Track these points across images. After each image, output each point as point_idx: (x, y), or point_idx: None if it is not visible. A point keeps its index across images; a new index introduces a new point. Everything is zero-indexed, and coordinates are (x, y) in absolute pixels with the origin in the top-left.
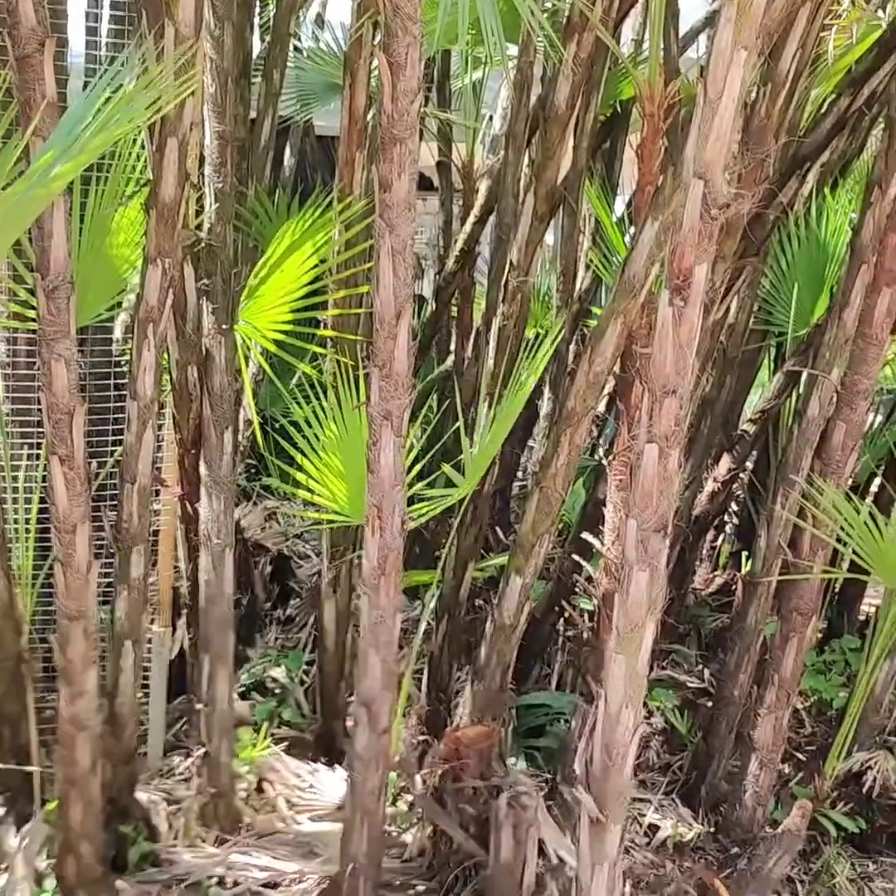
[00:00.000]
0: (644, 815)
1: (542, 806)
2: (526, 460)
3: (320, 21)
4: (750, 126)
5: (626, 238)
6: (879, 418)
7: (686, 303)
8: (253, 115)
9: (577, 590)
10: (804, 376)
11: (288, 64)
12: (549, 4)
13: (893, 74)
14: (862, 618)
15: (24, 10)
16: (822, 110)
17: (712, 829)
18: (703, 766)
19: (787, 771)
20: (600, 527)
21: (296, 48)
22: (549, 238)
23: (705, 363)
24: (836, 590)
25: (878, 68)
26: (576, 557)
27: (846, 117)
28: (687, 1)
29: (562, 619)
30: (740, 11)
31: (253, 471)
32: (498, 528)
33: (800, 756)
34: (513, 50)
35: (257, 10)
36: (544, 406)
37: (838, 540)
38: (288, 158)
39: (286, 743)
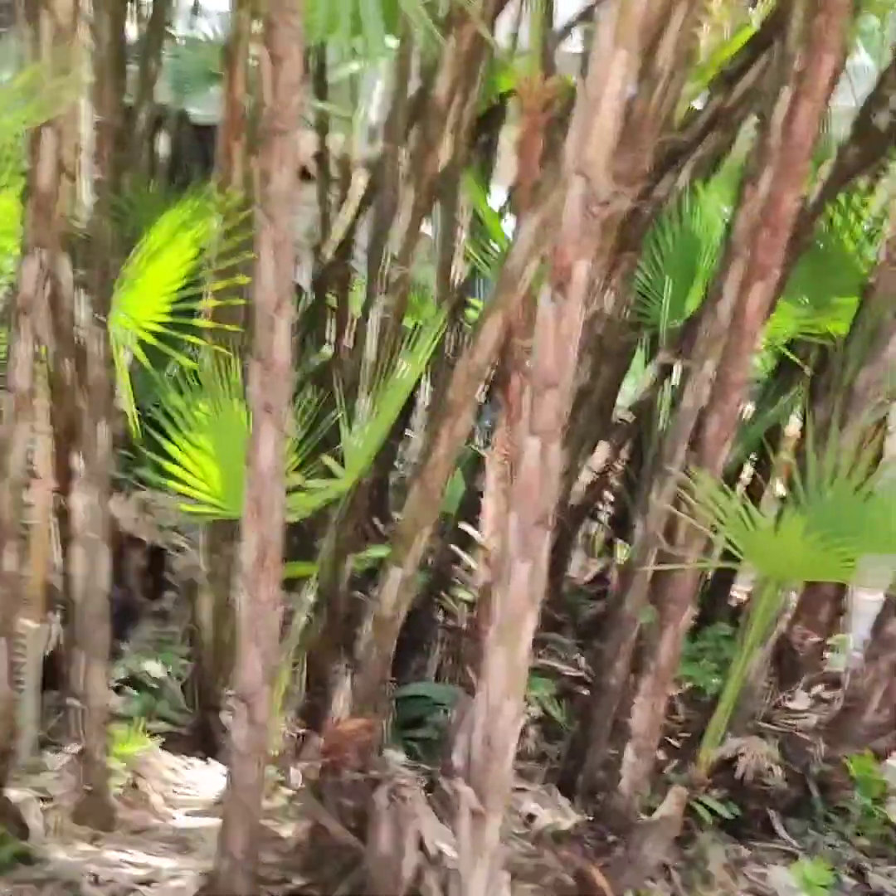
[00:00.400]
0: (522, 805)
1: (422, 798)
2: (405, 451)
3: (197, 9)
4: (627, 122)
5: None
6: (751, 408)
7: (567, 299)
8: (128, 102)
9: (456, 581)
10: (679, 368)
11: (164, 52)
12: None
13: (765, 72)
14: (733, 605)
15: None
16: (697, 106)
17: (590, 818)
18: (580, 754)
19: (663, 758)
20: (479, 517)
21: (172, 36)
22: (428, 229)
23: (582, 355)
24: (708, 578)
25: (750, 66)
26: (455, 548)
27: (720, 113)
28: None
29: (441, 611)
30: (621, 12)
31: (128, 462)
32: (377, 520)
33: (675, 743)
34: (392, 42)
35: None
36: (424, 397)
37: (712, 529)
38: (164, 147)
39: (162, 738)
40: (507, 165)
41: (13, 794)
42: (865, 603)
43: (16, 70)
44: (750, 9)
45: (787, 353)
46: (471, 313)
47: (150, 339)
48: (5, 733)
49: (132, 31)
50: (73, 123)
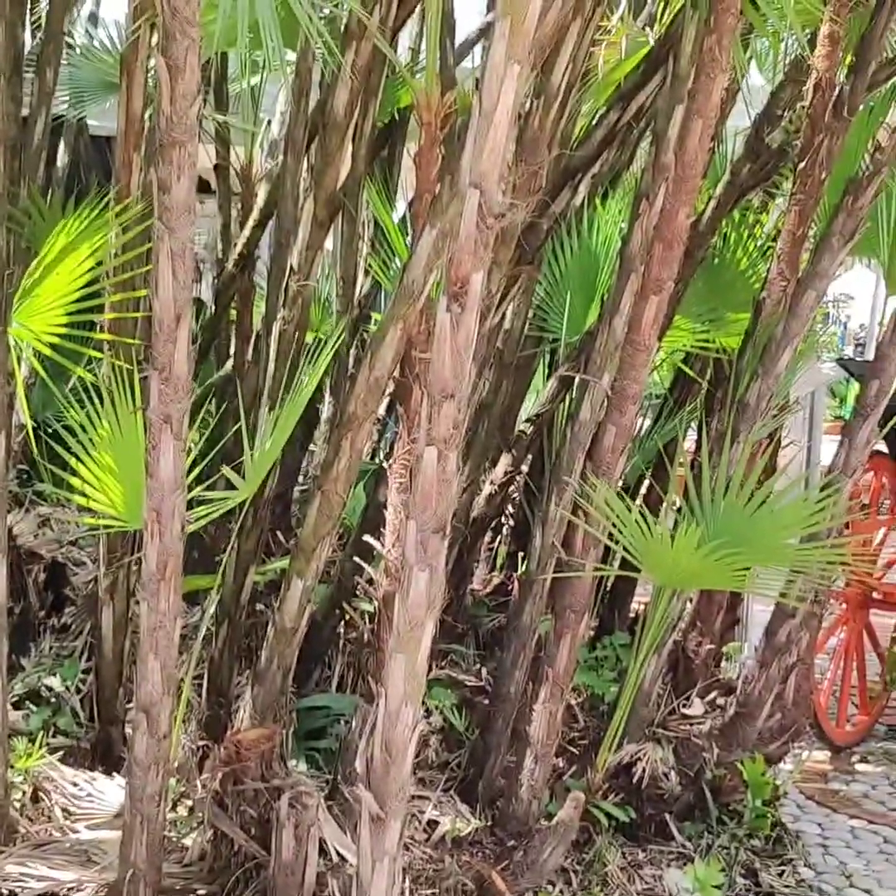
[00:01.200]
0: (423, 813)
1: (323, 805)
2: (307, 464)
3: (94, 19)
4: (524, 137)
5: (405, 244)
6: (648, 423)
7: (463, 309)
8: (25, 112)
9: (357, 592)
10: (576, 381)
11: (61, 62)
12: (327, 11)
13: (660, 89)
14: (632, 615)
15: None
16: (593, 123)
17: (490, 824)
18: (480, 762)
19: (561, 764)
20: (381, 529)
21: (69, 45)
22: (329, 243)
23: (482, 368)
24: (608, 588)
25: (646, 84)
26: (357, 560)
27: (616, 130)
28: (462, 12)
29: (342, 622)
30: (513, 27)
31: (25, 476)
32: (279, 532)
33: (573, 750)
34: (292, 55)
35: (29, 6)
36: (325, 410)
37: (610, 537)
38: (61, 158)
39: (62, 752)
40: (408, 179)
41: None
42: (760, 612)
43: None
44: (646, 28)
45: (684, 368)
46: (372, 328)
47: (49, 352)
48: None
49: (28, 39)
50: None
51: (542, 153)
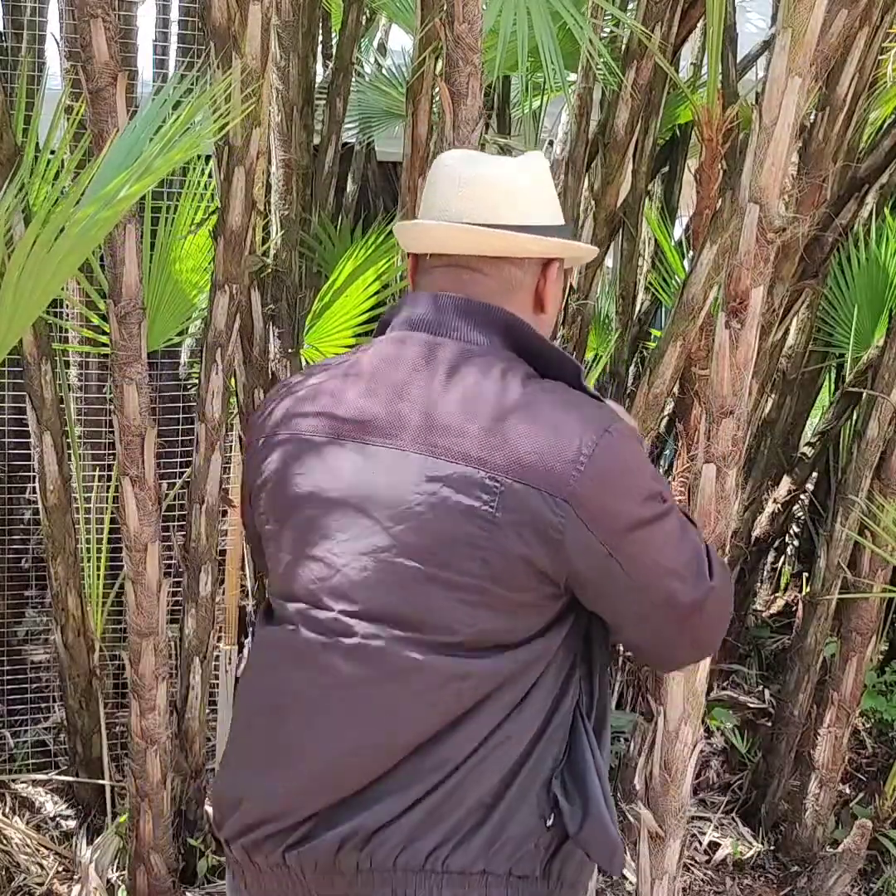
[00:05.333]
0: (704, 834)
1: None
2: None
3: (382, 48)
4: (807, 150)
5: (685, 261)
6: None
7: (743, 325)
8: (316, 141)
9: None
10: (864, 397)
11: (351, 90)
12: (607, 31)
13: None
14: None
15: (98, 45)
16: (881, 132)
17: (772, 848)
18: (763, 785)
19: (847, 791)
20: None
21: (358, 74)
22: (609, 261)
23: (764, 384)
24: None
25: None
26: None
27: None
28: (745, 26)
29: None
30: (794, 39)
31: None
32: None
33: (860, 776)
34: (572, 76)
35: (320, 38)
36: None
37: None
38: (350, 185)
39: None
40: (688, 197)
41: (210, 810)
42: None
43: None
44: None
45: None
46: (652, 345)
47: None
48: (202, 752)
49: (319, 70)
50: (263, 163)
51: (827, 165)
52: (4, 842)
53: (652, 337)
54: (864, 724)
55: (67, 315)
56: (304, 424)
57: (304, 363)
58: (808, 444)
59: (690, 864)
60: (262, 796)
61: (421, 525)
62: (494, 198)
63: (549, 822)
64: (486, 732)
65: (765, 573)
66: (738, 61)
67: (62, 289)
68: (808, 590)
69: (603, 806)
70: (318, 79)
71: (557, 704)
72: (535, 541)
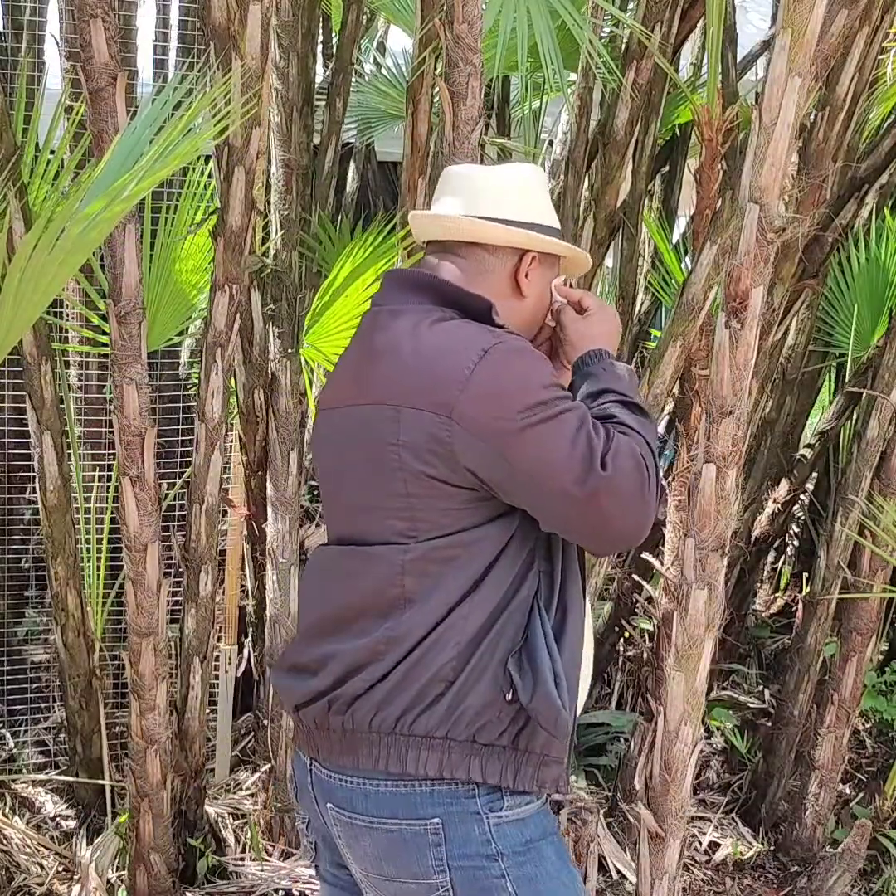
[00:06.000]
0: (704, 834)
1: (603, 822)
2: None
3: (382, 48)
4: (807, 150)
5: (684, 262)
6: None
7: (742, 325)
8: (316, 141)
9: (637, 610)
10: (864, 397)
11: (351, 90)
12: (607, 31)
13: None
14: None
15: (98, 45)
16: (881, 132)
17: (772, 848)
18: (762, 785)
19: (847, 791)
20: (660, 547)
21: (358, 74)
22: (609, 261)
23: (764, 384)
24: None
25: None
26: (636, 578)
27: None
28: (745, 26)
29: (622, 640)
30: (794, 39)
31: (316, 492)
32: None
33: (860, 776)
34: (572, 76)
35: (320, 38)
36: None
37: None
38: (350, 184)
39: None
40: (688, 197)
41: (210, 810)
42: None
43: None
44: None
45: None
46: (652, 345)
47: None
48: (201, 752)
49: (319, 70)
50: (262, 163)
51: (826, 165)
52: (4, 842)
53: (652, 337)
54: (864, 724)
55: (67, 315)
56: (322, 399)
57: (303, 363)
58: (808, 444)
59: (690, 864)
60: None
61: (365, 464)
62: (475, 193)
63: (508, 696)
64: (443, 612)
65: (765, 573)
66: (738, 61)
67: (62, 289)
68: (808, 590)
69: (550, 679)
70: (318, 79)
71: (514, 593)
72: (432, 459)
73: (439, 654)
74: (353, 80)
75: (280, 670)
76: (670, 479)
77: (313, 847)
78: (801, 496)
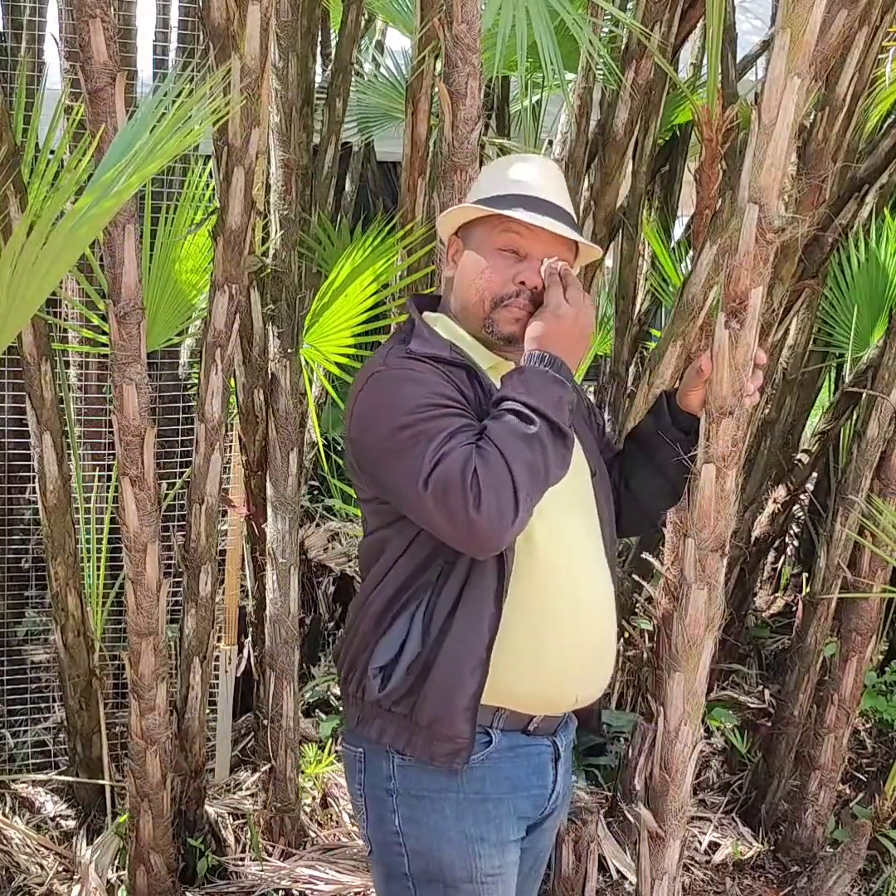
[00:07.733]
0: (704, 834)
1: (603, 822)
2: None
3: (381, 48)
4: (807, 150)
5: (684, 262)
6: None
7: (742, 325)
8: (315, 141)
9: (637, 610)
10: (864, 397)
11: (350, 90)
12: (606, 31)
13: None
14: None
15: (97, 45)
16: (881, 132)
17: (772, 848)
18: (763, 785)
19: (847, 791)
20: (660, 547)
21: (357, 74)
22: (609, 261)
23: (765, 385)
24: None
25: None
26: (636, 578)
27: None
28: (745, 26)
29: (621, 639)
30: (793, 39)
31: (316, 492)
32: None
33: (860, 776)
34: (571, 76)
35: (320, 38)
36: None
37: None
38: (349, 184)
39: None
40: (688, 197)
41: (210, 810)
42: None
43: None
44: None
45: None
46: (652, 345)
47: (338, 372)
48: (201, 752)
49: (319, 71)
50: (262, 163)
51: (826, 165)
52: (4, 842)
53: (652, 337)
54: (864, 724)
55: (67, 315)
56: None
57: (303, 363)
58: (808, 444)
59: (690, 864)
60: None
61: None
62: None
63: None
64: (363, 598)
65: (765, 573)
66: (738, 61)
67: (62, 289)
68: (808, 590)
69: (403, 666)
70: (318, 79)
71: (414, 581)
72: (352, 469)
73: (359, 631)
74: (353, 80)
75: None
76: None
77: None
78: (801, 496)
